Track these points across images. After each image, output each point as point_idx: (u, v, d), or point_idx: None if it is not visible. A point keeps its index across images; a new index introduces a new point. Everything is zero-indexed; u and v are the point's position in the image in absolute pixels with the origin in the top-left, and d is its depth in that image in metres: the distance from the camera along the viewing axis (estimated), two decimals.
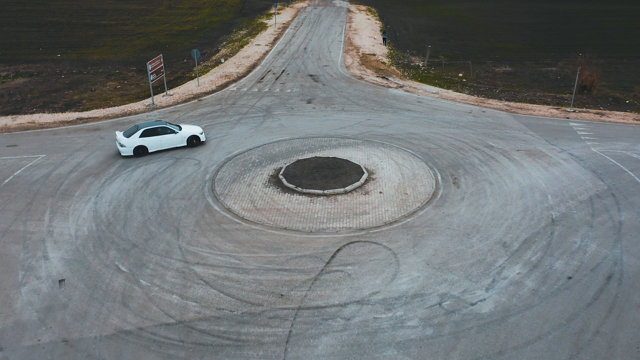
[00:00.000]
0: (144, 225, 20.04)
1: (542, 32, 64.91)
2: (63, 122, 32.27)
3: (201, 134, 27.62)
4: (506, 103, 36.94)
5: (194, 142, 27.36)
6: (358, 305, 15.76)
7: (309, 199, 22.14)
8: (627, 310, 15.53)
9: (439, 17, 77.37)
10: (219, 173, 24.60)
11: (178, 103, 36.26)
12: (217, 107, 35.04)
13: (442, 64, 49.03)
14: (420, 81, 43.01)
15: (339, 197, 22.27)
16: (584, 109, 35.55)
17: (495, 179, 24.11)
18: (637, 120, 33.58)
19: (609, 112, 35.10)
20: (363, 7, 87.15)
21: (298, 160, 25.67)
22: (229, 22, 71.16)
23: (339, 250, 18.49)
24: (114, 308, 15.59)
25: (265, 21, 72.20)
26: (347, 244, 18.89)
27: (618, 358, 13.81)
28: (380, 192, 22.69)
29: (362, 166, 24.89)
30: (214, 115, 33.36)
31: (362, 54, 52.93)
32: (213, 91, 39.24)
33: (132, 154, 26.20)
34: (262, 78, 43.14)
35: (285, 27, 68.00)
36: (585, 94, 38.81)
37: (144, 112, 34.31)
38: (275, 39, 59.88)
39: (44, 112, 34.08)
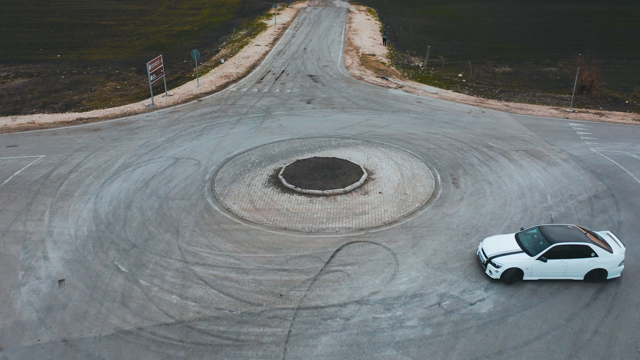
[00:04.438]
0: (144, 226, 20.06)
1: (542, 32, 64.92)
2: (63, 123, 32.29)
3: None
4: (505, 103, 36.96)
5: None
6: (357, 305, 15.78)
7: (309, 199, 22.16)
8: (626, 310, 15.56)
9: (438, 17, 77.38)
10: (218, 173, 24.62)
11: (178, 103, 36.29)
12: (216, 108, 35.06)
13: (442, 64, 49.04)
14: (420, 81, 43.03)
15: (339, 197, 22.30)
16: (584, 109, 35.56)
17: (495, 179, 24.13)
18: (636, 120, 33.59)
19: (609, 112, 35.11)
20: (363, 8, 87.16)
21: (297, 161, 25.70)
22: (229, 22, 71.18)
23: (338, 250, 18.51)
24: (113, 308, 15.61)
25: (265, 21, 72.21)
26: (347, 244, 18.91)
27: (617, 358, 13.83)
28: (380, 192, 22.72)
29: (361, 166, 24.91)
30: (214, 115, 33.38)
31: (362, 54, 52.94)
32: (213, 91, 39.26)
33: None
34: (262, 78, 43.16)
35: (285, 27, 68.01)
36: (585, 94, 38.82)
37: (144, 112, 34.33)
38: (275, 40, 59.89)
39: (43, 113, 34.10)
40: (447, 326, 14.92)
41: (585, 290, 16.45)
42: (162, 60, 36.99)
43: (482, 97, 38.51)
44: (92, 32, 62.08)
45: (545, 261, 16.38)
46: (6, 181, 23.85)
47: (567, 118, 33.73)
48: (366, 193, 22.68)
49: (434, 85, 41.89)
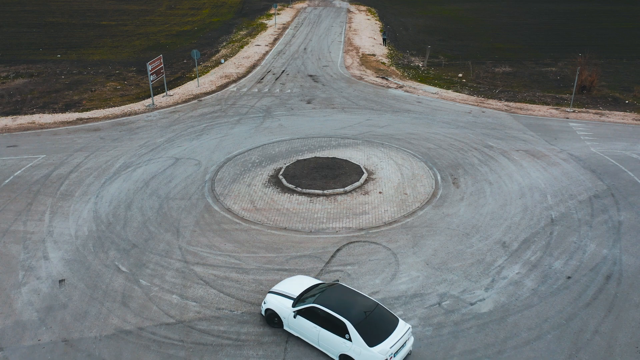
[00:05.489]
0: (144, 226, 20.06)
1: (542, 32, 64.92)
2: (63, 123, 32.29)
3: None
4: (506, 103, 36.96)
5: None
6: None
7: (309, 199, 22.17)
8: (626, 310, 15.56)
9: (438, 17, 77.37)
10: (218, 173, 24.63)
11: (178, 103, 36.30)
12: (217, 108, 35.07)
13: (442, 64, 49.05)
14: (420, 81, 43.03)
15: (339, 197, 22.30)
16: (584, 109, 35.57)
17: (495, 179, 24.14)
18: (636, 120, 33.59)
19: (609, 112, 35.12)
20: (363, 8, 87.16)
21: (298, 161, 25.71)
22: (229, 22, 71.18)
23: (338, 250, 18.52)
24: (114, 308, 15.62)
25: (265, 21, 72.22)
26: (347, 244, 18.91)
27: (617, 357, 13.83)
28: (380, 192, 22.72)
29: (361, 166, 24.91)
30: (214, 115, 33.39)
31: (362, 54, 52.95)
32: (213, 91, 39.27)
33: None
34: (262, 78, 43.16)
35: (285, 27, 68.02)
36: (585, 94, 38.82)
37: (144, 112, 34.34)
38: (275, 40, 59.90)
39: (44, 113, 34.10)
40: (448, 326, 14.92)
41: (585, 290, 16.45)
42: (162, 60, 37.00)
43: (482, 97, 38.51)
44: (92, 32, 62.09)
45: (295, 317, 14.05)
46: (6, 181, 23.85)
47: (567, 118, 33.74)
48: (366, 193, 22.68)
49: (434, 85, 41.90)
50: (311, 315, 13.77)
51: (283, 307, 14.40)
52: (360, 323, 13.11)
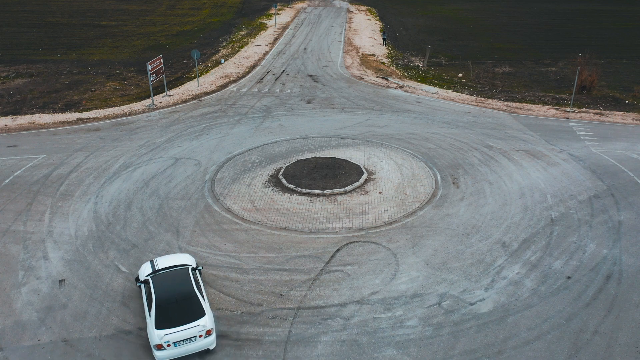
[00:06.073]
0: (144, 226, 20.06)
1: (542, 32, 64.91)
2: (63, 123, 32.29)
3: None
4: (506, 103, 36.96)
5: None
6: (357, 305, 15.79)
7: (309, 199, 22.17)
8: (626, 310, 15.56)
9: (438, 17, 77.36)
10: (218, 173, 24.63)
11: (178, 103, 36.30)
12: (217, 108, 35.07)
13: (442, 64, 49.04)
14: (420, 81, 43.03)
15: (339, 197, 22.30)
16: (584, 109, 35.57)
17: (495, 179, 24.14)
18: (636, 120, 33.59)
19: (609, 112, 35.12)
20: (363, 8, 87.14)
21: (298, 161, 25.71)
22: (229, 22, 71.18)
23: (338, 250, 18.52)
24: (113, 308, 15.62)
25: (265, 21, 72.21)
26: (347, 244, 18.91)
27: (617, 358, 13.83)
28: (380, 192, 22.72)
29: (361, 166, 24.91)
30: (214, 115, 33.38)
31: (362, 54, 52.94)
32: (213, 91, 39.26)
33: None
34: (262, 78, 43.16)
35: (285, 27, 68.01)
36: (585, 94, 38.82)
37: (144, 112, 34.34)
38: (275, 40, 59.89)
39: (44, 113, 34.10)
40: (447, 326, 14.93)
41: (585, 290, 16.46)
42: (162, 60, 37.00)
43: (482, 97, 38.51)
44: (92, 32, 62.08)
45: (138, 285, 15.43)
46: (6, 181, 23.85)
47: (567, 118, 33.74)
48: (366, 193, 22.68)
49: (434, 85, 41.89)
50: (146, 287, 14.91)
51: (142, 276, 15.63)
52: (162, 305, 13.90)
